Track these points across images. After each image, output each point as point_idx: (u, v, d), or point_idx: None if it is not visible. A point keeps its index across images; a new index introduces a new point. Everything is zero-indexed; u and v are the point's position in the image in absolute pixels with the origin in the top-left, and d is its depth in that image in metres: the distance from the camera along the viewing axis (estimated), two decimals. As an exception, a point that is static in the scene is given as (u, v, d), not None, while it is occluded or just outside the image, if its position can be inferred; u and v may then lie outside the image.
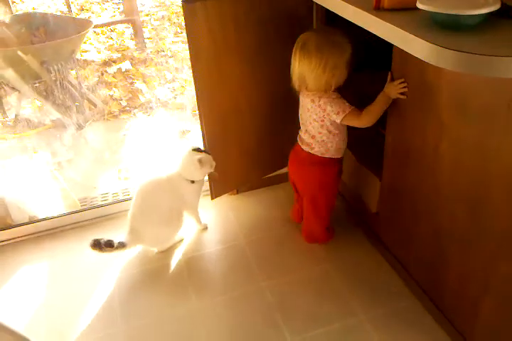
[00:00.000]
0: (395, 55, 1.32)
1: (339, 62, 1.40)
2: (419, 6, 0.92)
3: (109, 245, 1.65)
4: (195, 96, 1.68)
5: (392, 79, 1.36)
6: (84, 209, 2.05)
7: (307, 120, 1.55)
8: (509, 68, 0.80)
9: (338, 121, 1.47)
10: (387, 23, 0.98)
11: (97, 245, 1.64)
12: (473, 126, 1.13)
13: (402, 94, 1.33)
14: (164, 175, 1.77)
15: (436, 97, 1.22)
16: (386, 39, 1.01)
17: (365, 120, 1.45)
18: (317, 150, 1.58)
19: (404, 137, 1.42)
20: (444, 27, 0.91)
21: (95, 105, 3.00)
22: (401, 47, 0.97)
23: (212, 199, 1.93)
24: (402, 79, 1.32)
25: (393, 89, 1.35)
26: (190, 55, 1.58)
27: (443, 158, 1.26)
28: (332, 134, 1.54)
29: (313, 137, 1.56)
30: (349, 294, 1.61)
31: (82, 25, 2.98)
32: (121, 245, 1.68)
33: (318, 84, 1.44)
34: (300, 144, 1.62)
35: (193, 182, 1.77)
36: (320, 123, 1.52)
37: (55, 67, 2.73)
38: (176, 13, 4.04)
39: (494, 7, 0.88)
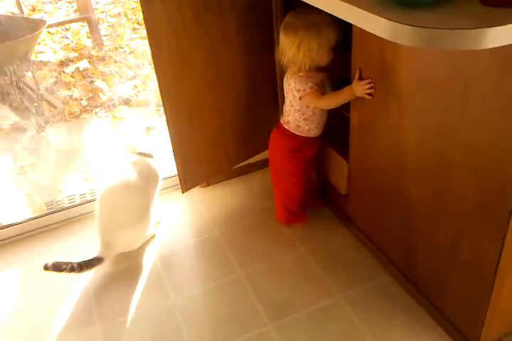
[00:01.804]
0: (354, 36, 1.34)
1: (314, 44, 1.40)
2: (374, -16, 0.94)
3: (86, 266, 1.60)
4: (158, 90, 1.66)
5: (360, 78, 1.37)
6: (51, 213, 2.00)
7: (285, 90, 1.61)
8: (461, 40, 0.82)
9: (297, 98, 1.53)
10: (344, 3, 0.99)
11: (73, 269, 1.58)
12: (432, 104, 1.16)
13: (368, 94, 1.35)
14: (127, 172, 1.74)
15: (395, 77, 1.25)
16: (344, 18, 1.02)
17: (324, 103, 1.52)
18: (282, 120, 1.65)
19: (367, 118, 1.44)
20: (401, 4, 0.93)
21: (55, 106, 2.92)
22: (359, 26, 0.98)
23: (182, 192, 1.91)
24: (369, 80, 1.33)
25: (359, 88, 1.36)
26: (151, 47, 1.55)
27: (407, 136, 1.29)
28: (294, 108, 1.58)
29: (284, 107, 1.64)
30: (325, 276, 1.63)
31: (36, 25, 2.90)
32: (99, 261, 1.63)
33: (294, 61, 1.47)
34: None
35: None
36: (285, 95, 1.59)
37: (10, 68, 2.64)
38: (132, 9, 3.98)
39: (447, -17, 0.90)
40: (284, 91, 1.60)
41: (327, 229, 1.82)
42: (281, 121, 1.66)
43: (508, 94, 0.96)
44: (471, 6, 0.90)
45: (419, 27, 0.84)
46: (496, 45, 0.82)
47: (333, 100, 1.49)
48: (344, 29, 1.38)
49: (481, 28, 0.80)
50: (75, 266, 1.58)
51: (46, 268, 1.55)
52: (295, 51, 1.43)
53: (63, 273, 1.56)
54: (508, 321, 1.31)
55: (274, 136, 1.71)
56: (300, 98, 1.52)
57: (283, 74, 1.59)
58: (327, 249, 1.74)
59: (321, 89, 1.51)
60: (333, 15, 1.33)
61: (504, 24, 0.80)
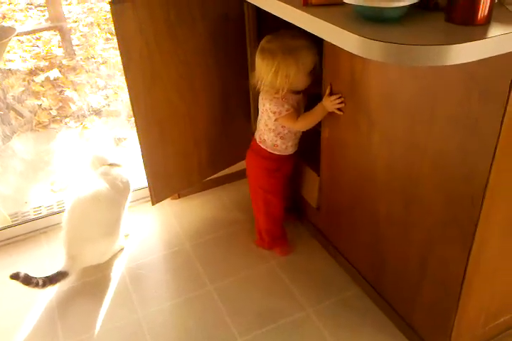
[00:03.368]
0: (326, 52, 1.36)
1: (292, 69, 1.39)
2: (345, 0, 0.96)
3: (50, 281, 1.56)
4: (129, 101, 1.64)
5: (331, 93, 1.38)
6: (16, 224, 1.94)
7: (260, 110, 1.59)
8: (427, 56, 0.84)
9: (273, 119, 1.51)
10: (316, 18, 1.01)
11: (37, 284, 1.53)
12: (401, 119, 1.18)
13: (339, 109, 1.37)
14: (98, 183, 1.72)
15: (364, 92, 1.27)
16: (316, 34, 1.04)
17: (299, 125, 1.51)
18: (258, 138, 1.62)
19: (338, 133, 1.46)
20: (370, 20, 0.95)
21: (22, 115, 2.85)
22: (330, 41, 1.00)
23: (153, 204, 1.88)
24: (339, 95, 1.35)
25: (329, 104, 1.38)
26: (122, 57, 1.54)
27: (376, 151, 1.31)
28: (268, 128, 1.56)
29: (258, 125, 1.61)
30: (296, 289, 1.63)
31: (4, 32, 2.84)
32: (63, 275, 1.59)
33: (272, 86, 1.45)
34: None
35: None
36: (261, 115, 1.57)
37: (-24, 76, 2.58)
38: (106, 19, 3.95)
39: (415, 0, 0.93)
40: (259, 110, 1.59)
41: (298, 242, 1.81)
42: (256, 139, 1.63)
43: (473, 110, 0.99)
44: (437, 23, 0.92)
45: (387, 42, 0.86)
46: (460, 62, 0.84)
47: (307, 122, 1.48)
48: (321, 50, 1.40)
49: (447, 44, 0.83)
50: (40, 281, 1.53)
51: (16, 277, 1.50)
52: (272, 77, 1.41)
53: (27, 287, 1.52)
54: (475, 334, 1.33)
55: (250, 157, 1.67)
56: (275, 120, 1.51)
57: (256, 87, 1.59)
58: (297, 261, 1.74)
59: (297, 112, 1.50)
60: (311, 40, 1.37)
61: (468, 41, 0.83)
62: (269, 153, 1.60)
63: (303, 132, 1.63)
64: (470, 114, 1.00)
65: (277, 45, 1.41)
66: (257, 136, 1.63)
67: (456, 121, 1.03)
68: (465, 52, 0.83)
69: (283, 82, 1.41)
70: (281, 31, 1.44)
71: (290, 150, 1.61)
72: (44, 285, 1.54)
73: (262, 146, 1.60)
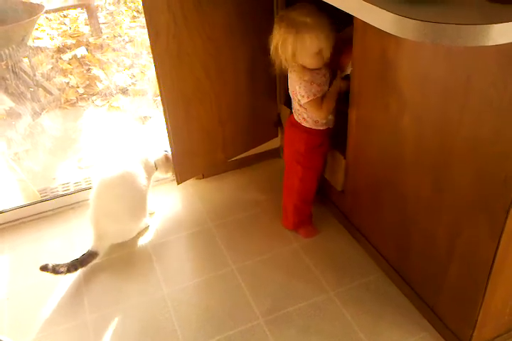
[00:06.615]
0: (356, 32, 1.32)
1: (294, 45, 1.38)
2: (379, -24, 0.92)
3: (81, 264, 1.61)
4: (156, 79, 1.63)
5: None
6: (45, 200, 1.99)
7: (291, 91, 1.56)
8: (466, 36, 0.81)
9: (302, 103, 1.49)
10: (349, -4, 0.98)
11: (69, 271, 1.58)
12: (433, 100, 1.15)
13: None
14: (128, 164, 1.74)
15: (396, 73, 1.24)
16: (347, 11, 1.00)
17: (323, 112, 1.49)
18: (297, 118, 1.59)
19: (366, 114, 1.43)
20: (406, -3, 0.91)
21: (50, 93, 2.89)
22: (362, 19, 0.96)
23: (178, 184, 1.90)
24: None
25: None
26: (149, 34, 1.53)
27: (405, 132, 1.28)
28: (303, 107, 1.53)
29: (294, 106, 1.58)
30: (318, 272, 1.63)
31: (34, 9, 2.85)
32: (93, 256, 1.63)
33: (304, 62, 1.44)
34: None
35: (156, 169, 1.85)
36: (292, 96, 1.55)
37: (6, 52, 2.61)
38: (132, -4, 3.94)
39: (454, -23, 0.88)
40: (290, 90, 1.55)
41: (321, 225, 1.81)
42: (296, 119, 1.59)
43: (509, 92, 0.95)
44: (479, 2, 0.88)
45: (424, 21, 0.83)
46: (501, 42, 0.81)
47: (329, 106, 1.48)
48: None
49: (487, 24, 0.79)
50: (71, 268, 1.58)
51: (46, 269, 1.55)
52: (282, 48, 1.40)
53: (59, 275, 1.58)
54: (501, 322, 1.31)
55: (291, 133, 1.64)
56: (304, 104, 1.49)
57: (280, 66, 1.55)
58: (321, 244, 1.73)
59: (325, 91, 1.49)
60: (327, 20, 1.36)
61: (511, 21, 0.79)
62: (312, 129, 1.58)
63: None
64: (505, 96, 0.96)
65: (288, 17, 1.38)
66: (295, 116, 1.59)
67: (490, 103, 1.00)
68: (507, 33, 0.79)
69: (288, 55, 1.40)
70: (298, 4, 1.41)
71: (331, 123, 1.58)
72: (75, 269, 1.59)
73: (305, 124, 1.58)
